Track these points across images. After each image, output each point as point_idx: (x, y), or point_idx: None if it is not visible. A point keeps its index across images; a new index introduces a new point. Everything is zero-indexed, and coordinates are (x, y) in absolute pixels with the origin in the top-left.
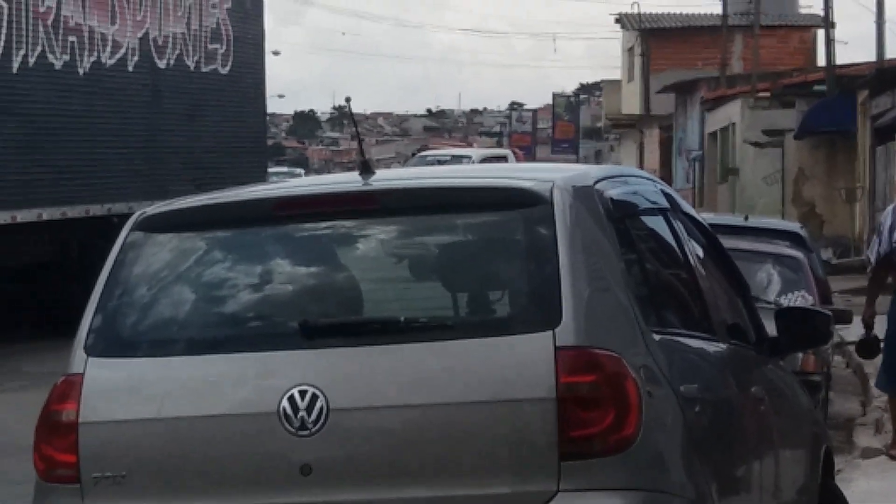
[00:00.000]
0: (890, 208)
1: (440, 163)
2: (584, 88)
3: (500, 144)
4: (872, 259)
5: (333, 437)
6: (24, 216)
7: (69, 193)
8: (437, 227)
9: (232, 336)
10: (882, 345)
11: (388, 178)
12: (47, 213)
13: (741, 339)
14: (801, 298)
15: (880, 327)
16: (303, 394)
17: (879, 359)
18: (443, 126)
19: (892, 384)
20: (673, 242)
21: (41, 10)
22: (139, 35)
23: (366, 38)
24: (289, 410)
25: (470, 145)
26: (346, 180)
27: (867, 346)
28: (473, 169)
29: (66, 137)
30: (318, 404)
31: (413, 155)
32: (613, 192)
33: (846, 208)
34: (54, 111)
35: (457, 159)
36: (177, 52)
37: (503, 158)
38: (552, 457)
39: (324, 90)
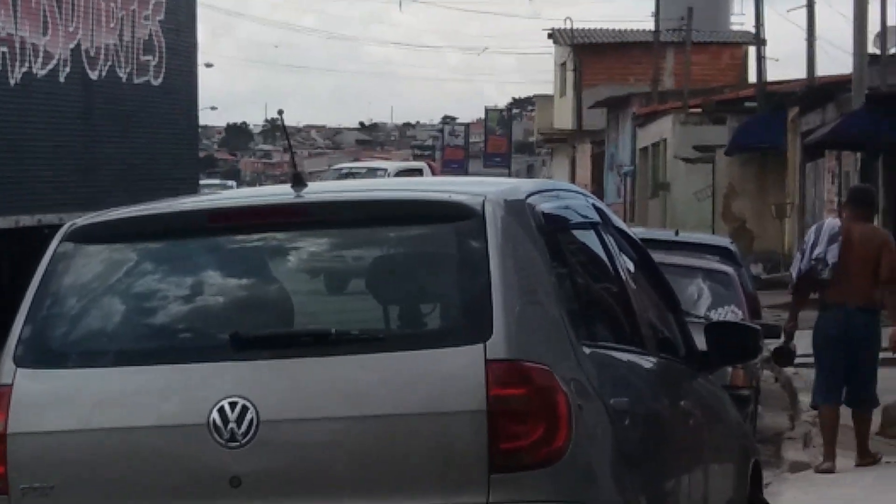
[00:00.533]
0: (814, 227)
1: (353, 175)
2: (517, 103)
3: (432, 158)
4: (794, 275)
5: (263, 448)
6: None
7: None
8: (369, 239)
9: (162, 347)
10: (803, 357)
11: (320, 190)
12: None
13: (671, 353)
14: (730, 313)
15: (804, 342)
16: (233, 405)
17: (810, 377)
18: (375, 139)
19: (826, 395)
20: (604, 256)
21: None
22: (71, 46)
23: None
24: (219, 422)
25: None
26: (279, 192)
27: (784, 354)
28: (406, 182)
29: None
30: (248, 416)
31: (328, 168)
32: (545, 206)
33: (776, 224)
34: None
35: (372, 172)
36: (109, 63)
37: (418, 171)
38: (482, 469)
39: (256, 102)
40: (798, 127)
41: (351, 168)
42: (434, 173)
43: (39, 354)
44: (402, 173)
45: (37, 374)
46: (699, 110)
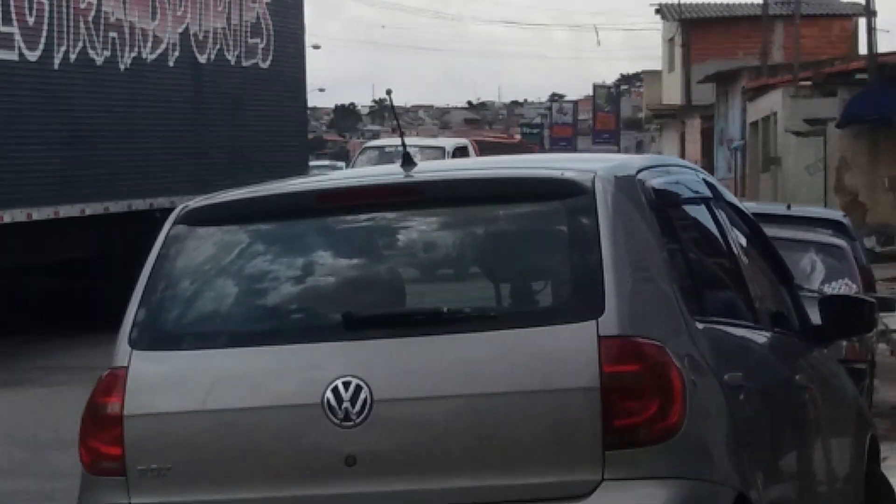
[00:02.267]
0: None
1: (386, 154)
2: (625, 79)
3: (541, 136)
4: None
5: (377, 427)
6: (66, 211)
7: (111, 188)
8: (480, 217)
9: (275, 328)
10: None
11: (429, 169)
12: (90, 209)
13: (785, 327)
14: (844, 286)
15: None
16: (346, 385)
17: None
18: (483, 118)
19: None
20: (715, 231)
21: (82, 6)
22: (179, 30)
23: (405, 30)
24: (333, 402)
25: (512, 137)
26: (388, 172)
27: None
28: (515, 160)
29: (107, 133)
30: (362, 395)
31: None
32: (655, 181)
33: (889, 197)
34: (96, 107)
35: (429, 150)
36: (217, 46)
37: (464, 148)
38: (596, 446)
39: (364, 83)
40: None
41: (385, 146)
42: (475, 152)
43: (154, 337)
44: (457, 151)
45: (152, 357)
46: (809, 83)
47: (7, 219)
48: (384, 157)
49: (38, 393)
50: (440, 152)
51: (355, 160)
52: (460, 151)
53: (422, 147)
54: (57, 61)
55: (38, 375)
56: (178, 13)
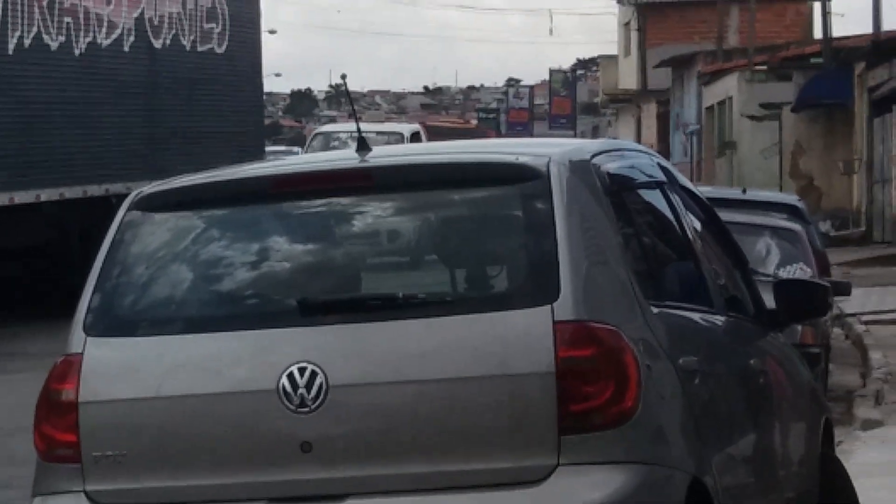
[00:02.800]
0: None
1: (340, 142)
2: (581, 64)
3: (497, 121)
4: None
5: (333, 413)
6: (21, 197)
7: (67, 175)
8: (434, 202)
9: (230, 314)
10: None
11: (384, 154)
12: (45, 195)
13: (740, 312)
14: (799, 270)
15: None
16: (302, 371)
17: (880, 333)
18: (440, 103)
19: None
20: (670, 216)
21: None
22: (135, 15)
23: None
24: (288, 388)
25: (468, 122)
26: (343, 157)
27: None
28: (471, 144)
29: (63, 119)
30: (318, 381)
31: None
32: (610, 165)
33: (844, 180)
34: (51, 92)
35: (386, 136)
36: (173, 31)
37: (418, 134)
38: (552, 431)
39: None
40: (865, 82)
41: (338, 132)
42: (425, 137)
43: (109, 323)
44: (413, 136)
45: (106, 343)
46: (765, 67)
47: None
48: (337, 142)
49: None
50: (399, 137)
51: (308, 145)
52: (415, 137)
53: (380, 132)
54: (11, 47)
55: None
56: None
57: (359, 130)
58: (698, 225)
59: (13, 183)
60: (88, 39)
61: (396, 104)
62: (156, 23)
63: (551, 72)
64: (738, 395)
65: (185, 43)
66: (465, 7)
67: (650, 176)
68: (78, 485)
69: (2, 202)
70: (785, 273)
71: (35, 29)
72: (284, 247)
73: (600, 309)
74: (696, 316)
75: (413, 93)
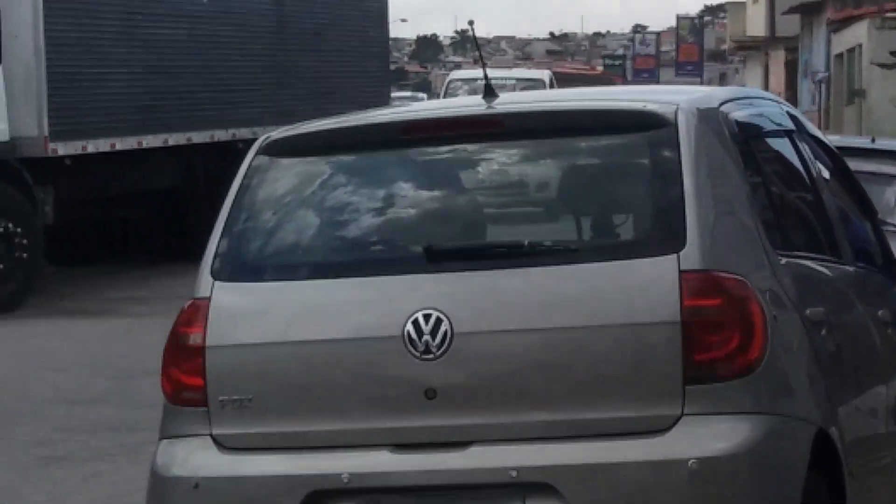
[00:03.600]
0: None
1: (473, 85)
2: (709, 10)
3: (623, 68)
4: None
5: (458, 360)
6: (149, 141)
7: (194, 119)
8: (561, 150)
9: (356, 260)
10: None
11: (512, 101)
12: (173, 139)
13: (868, 262)
14: None
15: None
16: (427, 317)
17: None
18: (565, 50)
19: None
20: (799, 165)
21: None
22: None
23: None
24: (413, 334)
25: (594, 69)
26: (471, 104)
27: None
28: (597, 91)
29: (190, 63)
30: (443, 328)
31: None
32: (738, 114)
33: None
34: (179, 38)
35: (526, 82)
36: None
37: (541, 80)
38: (676, 381)
39: (446, 14)
40: None
41: (475, 77)
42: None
43: (236, 267)
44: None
45: (234, 288)
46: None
47: (91, 149)
48: (468, 88)
49: (122, 323)
50: (539, 84)
51: (444, 90)
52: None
53: (520, 79)
54: None
55: (121, 305)
56: None
57: (486, 77)
58: (827, 174)
59: (141, 127)
60: None
61: (522, 50)
62: None
63: (678, 18)
64: (865, 347)
65: None
66: None
67: (778, 124)
68: (205, 428)
69: (130, 146)
70: None
71: None
72: (411, 193)
73: (727, 258)
74: (823, 266)
75: (538, 39)
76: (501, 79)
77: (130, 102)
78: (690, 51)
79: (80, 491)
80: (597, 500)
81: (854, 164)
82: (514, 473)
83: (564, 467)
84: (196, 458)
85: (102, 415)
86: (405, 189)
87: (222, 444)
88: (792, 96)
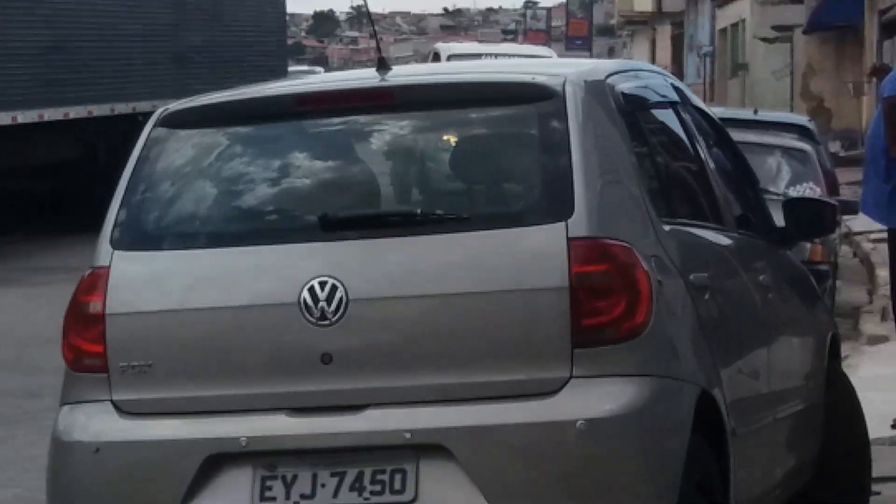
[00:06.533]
0: None
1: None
2: None
3: (514, 42)
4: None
5: (353, 326)
6: (50, 115)
7: (95, 93)
8: (453, 121)
9: (253, 229)
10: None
11: (404, 74)
12: (73, 112)
13: (750, 230)
14: (808, 190)
15: None
16: (322, 284)
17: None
18: (459, 24)
19: None
20: (683, 135)
21: None
22: None
23: None
24: (309, 301)
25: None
26: (364, 76)
27: None
28: (486, 64)
29: (91, 38)
30: (338, 295)
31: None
32: (624, 85)
33: (854, 102)
34: (78, 12)
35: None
36: None
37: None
38: (565, 344)
39: None
40: (875, 4)
41: (467, 52)
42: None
43: (135, 237)
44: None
45: (133, 257)
46: None
47: None
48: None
49: (22, 292)
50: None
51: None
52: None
53: (527, 56)
54: None
55: (22, 275)
56: None
57: (379, 50)
58: (710, 144)
59: (42, 100)
60: None
61: (416, 25)
62: None
63: None
64: (748, 311)
65: None
66: None
67: (663, 96)
68: (105, 394)
69: (31, 119)
70: (795, 192)
71: None
72: (306, 164)
73: (613, 226)
74: (707, 233)
75: (432, 14)
76: (504, 54)
77: (31, 77)
78: (580, 26)
79: None
80: (488, 460)
81: (737, 135)
82: (408, 435)
83: (457, 429)
84: (97, 423)
85: (4, 382)
86: (300, 160)
87: (122, 410)
88: (678, 70)
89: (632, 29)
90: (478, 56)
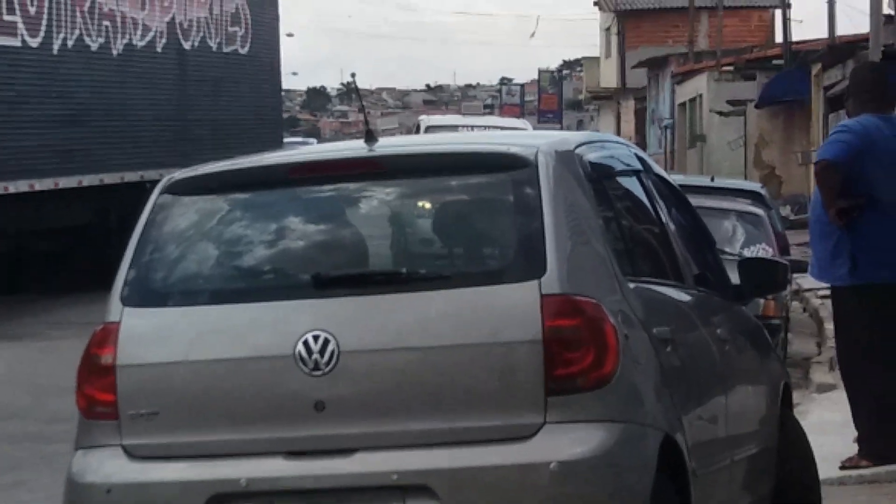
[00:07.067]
0: None
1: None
2: (567, 64)
3: (492, 115)
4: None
5: (344, 376)
6: (65, 182)
7: (106, 162)
8: (435, 188)
9: (252, 287)
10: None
11: (390, 144)
12: (86, 180)
13: (708, 287)
14: (762, 250)
15: None
16: (316, 338)
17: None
18: (440, 99)
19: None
20: (646, 200)
21: None
22: (166, 20)
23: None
24: (304, 353)
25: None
26: (353, 147)
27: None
28: (466, 136)
29: (102, 112)
30: (330, 347)
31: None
32: (592, 155)
33: (802, 170)
34: (91, 88)
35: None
36: (201, 34)
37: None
38: (539, 393)
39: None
40: (821, 81)
41: (445, 125)
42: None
43: (143, 294)
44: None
45: (141, 313)
46: (731, 68)
47: (12, 189)
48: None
49: (40, 346)
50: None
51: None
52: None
53: (503, 128)
54: (56, 47)
55: (39, 329)
56: (165, 4)
57: (366, 123)
58: (670, 209)
59: (58, 169)
60: (125, 41)
61: (401, 100)
62: (185, 27)
63: (540, 72)
64: (707, 362)
65: (211, 44)
66: (460, 13)
67: (627, 165)
68: (115, 439)
69: (48, 186)
70: (749, 252)
71: (77, 31)
72: (300, 227)
73: (583, 284)
74: (668, 290)
75: (416, 90)
76: (481, 126)
77: (47, 147)
78: (551, 100)
79: (2, 499)
80: (468, 499)
81: (696, 201)
82: (394, 477)
83: (439, 471)
84: (108, 465)
85: (22, 428)
86: (295, 223)
87: (132, 454)
88: (641, 140)
89: (598, 103)
90: (454, 128)
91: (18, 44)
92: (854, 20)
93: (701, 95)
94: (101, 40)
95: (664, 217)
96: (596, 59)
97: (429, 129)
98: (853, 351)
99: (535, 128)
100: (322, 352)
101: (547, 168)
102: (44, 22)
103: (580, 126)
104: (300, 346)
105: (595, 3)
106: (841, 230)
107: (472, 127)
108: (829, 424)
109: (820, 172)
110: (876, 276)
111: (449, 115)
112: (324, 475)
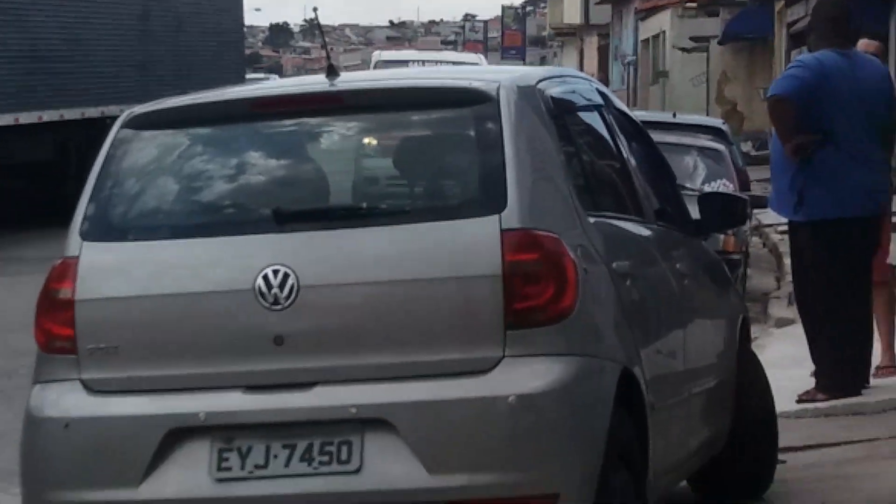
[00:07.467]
0: None
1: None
2: (531, 1)
3: (454, 51)
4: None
5: (303, 310)
6: (25, 118)
7: (67, 98)
8: (396, 123)
9: (212, 222)
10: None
11: (351, 79)
12: (47, 115)
13: (668, 222)
14: (722, 186)
15: None
16: (276, 272)
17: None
18: (403, 36)
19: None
20: (607, 135)
21: None
22: None
23: None
24: (263, 287)
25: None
26: (315, 81)
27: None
28: (428, 71)
29: (62, 47)
30: (290, 282)
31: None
32: (554, 90)
33: (764, 106)
34: (51, 24)
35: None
36: None
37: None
38: (498, 327)
39: (296, 3)
40: (784, 18)
41: (398, 59)
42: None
43: (102, 229)
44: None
45: (100, 247)
46: (694, 5)
47: None
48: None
49: None
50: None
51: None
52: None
53: (455, 62)
54: None
55: None
56: None
57: (328, 58)
58: (632, 144)
59: (18, 105)
60: None
61: (365, 37)
62: None
63: (503, 8)
64: (665, 296)
65: None
66: None
67: (589, 100)
68: (74, 373)
69: (7, 122)
70: (709, 188)
71: None
72: (261, 162)
73: (543, 218)
74: (628, 225)
75: (379, 26)
76: (432, 61)
77: (7, 83)
78: (514, 37)
79: None
80: (427, 432)
81: (658, 136)
82: (353, 410)
83: (398, 404)
84: (66, 400)
85: None
86: (255, 158)
87: (90, 388)
88: (604, 77)
89: (562, 40)
90: (405, 63)
91: None
92: None
93: (664, 32)
94: None
95: (625, 152)
96: None
97: (378, 64)
98: (810, 286)
99: (497, 64)
100: (282, 286)
101: (508, 103)
102: None
103: (543, 62)
104: (259, 281)
105: None
106: (797, 165)
107: (423, 62)
108: (786, 359)
109: (771, 107)
110: (830, 213)
111: (405, 50)
112: (282, 409)
